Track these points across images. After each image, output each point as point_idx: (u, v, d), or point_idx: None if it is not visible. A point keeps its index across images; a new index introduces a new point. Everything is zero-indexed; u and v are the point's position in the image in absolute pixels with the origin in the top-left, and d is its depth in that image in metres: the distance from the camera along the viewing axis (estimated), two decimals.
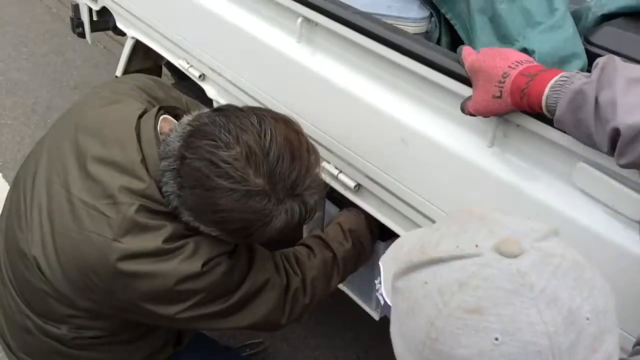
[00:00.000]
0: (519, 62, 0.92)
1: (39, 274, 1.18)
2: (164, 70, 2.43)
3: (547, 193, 0.97)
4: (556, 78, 0.86)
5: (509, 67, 0.92)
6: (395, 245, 0.79)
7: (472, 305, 0.57)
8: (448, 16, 1.27)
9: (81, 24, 2.34)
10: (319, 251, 1.35)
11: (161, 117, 1.20)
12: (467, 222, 0.63)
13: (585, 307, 0.57)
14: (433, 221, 1.18)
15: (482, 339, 0.56)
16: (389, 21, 1.27)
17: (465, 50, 1.00)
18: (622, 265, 0.90)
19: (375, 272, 1.48)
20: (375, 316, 1.54)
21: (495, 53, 0.95)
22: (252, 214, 1.06)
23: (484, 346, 0.56)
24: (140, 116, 1.20)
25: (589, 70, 1.06)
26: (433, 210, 1.17)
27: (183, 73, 1.81)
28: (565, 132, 0.88)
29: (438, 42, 1.33)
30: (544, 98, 0.87)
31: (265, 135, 1.06)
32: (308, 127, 1.39)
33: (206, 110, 1.16)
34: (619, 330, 0.62)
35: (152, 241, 1.09)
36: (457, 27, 1.27)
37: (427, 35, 1.31)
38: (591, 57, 1.06)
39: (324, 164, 1.39)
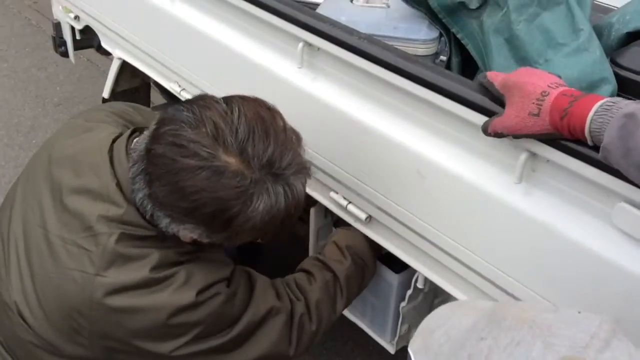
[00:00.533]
0: (557, 84, 0.86)
1: (22, 324, 1.09)
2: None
3: (583, 233, 0.90)
4: (602, 102, 0.79)
5: (549, 86, 0.85)
6: (424, 330, 0.73)
7: None
8: (459, 36, 1.20)
9: (64, 43, 2.24)
10: (318, 273, 1.28)
11: (135, 139, 1.10)
12: (515, 330, 0.57)
13: None
14: (451, 256, 1.11)
15: None
16: (397, 43, 1.20)
17: (491, 73, 0.94)
18: None
19: (390, 304, 1.41)
20: (391, 350, 1.47)
21: (532, 72, 0.89)
22: (225, 192, 0.95)
23: None
24: (114, 140, 1.12)
25: (619, 96, 1.01)
26: (452, 245, 1.10)
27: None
28: (610, 165, 0.81)
29: (448, 62, 1.26)
30: (587, 122, 0.80)
31: (232, 112, 0.97)
32: (314, 156, 1.31)
33: None
34: None
35: (138, 271, 1.01)
36: (470, 47, 1.20)
37: (436, 56, 1.24)
38: (620, 82, 1.00)
39: (332, 193, 1.32)
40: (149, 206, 1.01)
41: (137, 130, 1.14)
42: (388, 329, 1.45)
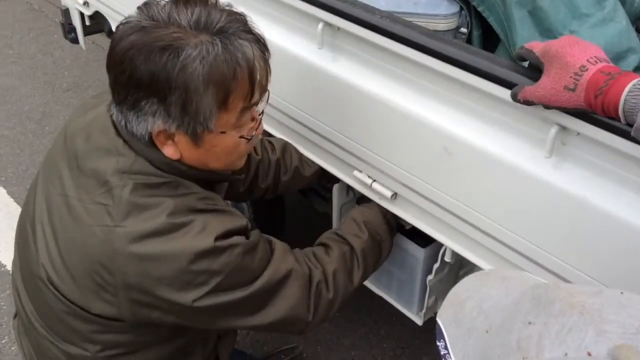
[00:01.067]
0: (598, 59, 0.85)
1: (52, 292, 1.12)
2: None
3: (615, 205, 0.91)
4: (635, 81, 0.79)
5: (588, 60, 0.85)
6: (453, 301, 0.73)
7: None
8: (480, 9, 1.19)
9: (73, 30, 2.23)
10: (335, 246, 1.30)
11: None
12: (566, 316, 0.57)
13: None
14: (479, 229, 1.13)
15: None
16: (417, 19, 1.19)
17: (531, 43, 0.94)
18: None
19: (416, 278, 1.43)
20: (419, 321, 1.50)
21: (574, 42, 0.88)
22: (148, 44, 0.95)
23: None
24: None
25: None
26: (482, 220, 1.11)
27: None
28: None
29: (469, 36, 1.25)
30: (621, 101, 0.80)
31: None
32: (336, 136, 1.32)
33: None
34: None
35: (156, 218, 1.03)
36: (491, 20, 1.19)
37: (457, 30, 1.23)
38: None
39: (356, 172, 1.33)
40: (124, 119, 1.03)
41: None
42: (415, 301, 1.48)
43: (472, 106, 1.06)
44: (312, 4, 1.21)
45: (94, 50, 3.47)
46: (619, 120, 0.83)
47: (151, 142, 1.05)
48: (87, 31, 2.25)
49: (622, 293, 0.59)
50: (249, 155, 1.46)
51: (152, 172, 1.06)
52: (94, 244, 1.05)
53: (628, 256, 0.91)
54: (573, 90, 0.85)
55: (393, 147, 1.21)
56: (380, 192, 1.30)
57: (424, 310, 1.47)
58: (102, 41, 3.46)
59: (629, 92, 0.79)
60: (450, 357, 0.67)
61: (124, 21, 1.01)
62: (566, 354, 0.53)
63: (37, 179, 1.24)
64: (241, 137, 1.07)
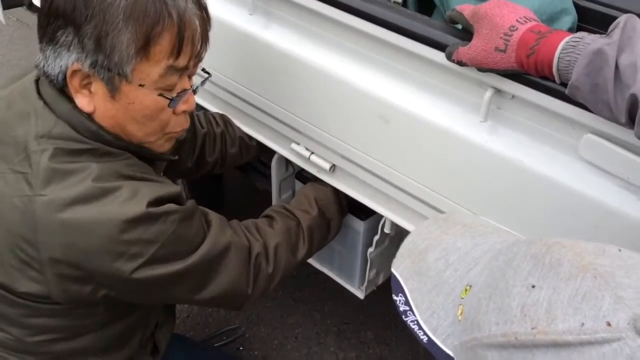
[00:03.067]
0: (527, 18, 0.84)
1: None
2: None
3: (551, 167, 0.90)
4: (567, 39, 0.78)
5: (517, 20, 0.83)
6: (411, 250, 0.68)
7: None
8: None
9: None
10: (280, 219, 1.26)
11: None
12: (577, 279, 0.51)
13: None
14: (418, 199, 1.11)
15: None
16: None
17: (460, 6, 0.91)
18: (638, 237, 0.85)
19: (357, 251, 1.41)
20: (360, 295, 1.49)
21: (502, 3, 0.86)
22: None
23: None
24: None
25: (579, 28, 1.00)
26: (420, 189, 1.09)
27: None
28: (577, 101, 0.80)
29: (404, 4, 1.22)
30: (555, 60, 0.79)
31: None
32: (272, 107, 1.28)
33: None
34: None
35: (80, 183, 0.96)
36: None
37: None
38: (581, 13, 0.99)
39: (293, 145, 1.29)
40: (43, 60, 0.97)
41: None
42: (356, 275, 1.46)
43: (407, 72, 1.03)
44: None
45: (18, 28, 3.29)
46: (554, 80, 0.82)
47: (67, 96, 0.99)
48: (6, 5, 2.10)
49: (620, 250, 0.54)
50: (195, 129, 1.40)
51: (74, 137, 0.98)
52: (14, 216, 0.97)
53: (564, 218, 0.91)
54: (504, 51, 0.83)
55: (329, 117, 1.18)
56: (318, 165, 1.26)
57: (365, 284, 1.46)
58: (26, 17, 3.29)
59: (562, 50, 0.78)
60: (413, 314, 0.63)
61: None
62: (583, 324, 0.48)
63: None
64: (161, 95, 0.99)
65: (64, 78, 0.96)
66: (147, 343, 1.30)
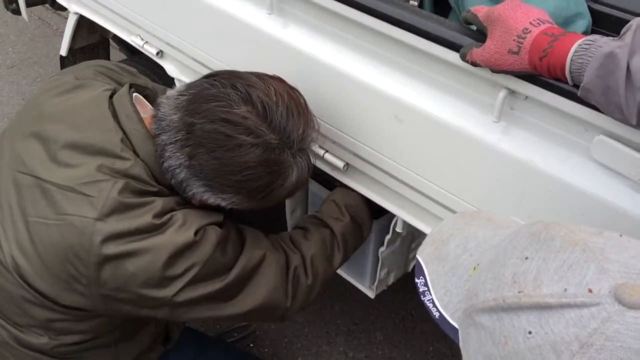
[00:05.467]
0: (540, 21, 0.84)
1: (14, 277, 1.07)
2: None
3: (563, 168, 0.91)
4: (580, 41, 0.79)
5: (531, 23, 0.84)
6: (435, 239, 0.72)
7: None
8: None
9: (14, 0, 2.13)
10: (314, 229, 1.29)
11: (134, 95, 1.13)
12: (566, 252, 0.55)
13: None
14: (431, 198, 1.12)
15: None
16: None
17: (476, 7, 0.93)
18: None
19: (369, 250, 1.43)
20: (371, 294, 1.50)
21: (516, 5, 0.87)
22: (277, 167, 1.06)
23: None
24: (111, 97, 1.13)
25: (594, 32, 1.01)
26: (433, 188, 1.10)
27: (134, 47, 1.67)
28: (589, 103, 0.81)
29: (420, 5, 1.23)
30: (567, 62, 0.80)
31: (270, 92, 1.04)
32: None
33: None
34: None
35: (141, 218, 1.02)
36: None
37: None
38: (596, 17, 1.00)
39: None
40: (183, 175, 1.05)
41: (132, 87, 1.15)
42: (367, 274, 1.47)
43: (422, 72, 1.05)
44: None
45: (39, 26, 3.35)
46: (566, 82, 0.83)
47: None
48: (30, 2, 2.15)
49: (621, 236, 0.58)
50: None
51: (146, 181, 1.05)
52: (70, 233, 1.01)
53: (575, 218, 0.92)
54: (517, 53, 0.84)
55: (345, 116, 1.20)
56: (332, 163, 1.28)
57: (376, 283, 1.47)
58: (48, 17, 3.35)
59: (574, 52, 0.79)
60: (430, 294, 0.67)
61: (247, 115, 1.02)
62: (565, 290, 0.52)
63: (2, 148, 1.17)
64: None
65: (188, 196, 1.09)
66: (160, 333, 1.33)
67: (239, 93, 1.03)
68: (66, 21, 1.94)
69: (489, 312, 0.56)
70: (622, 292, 0.50)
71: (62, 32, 2.82)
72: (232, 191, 1.07)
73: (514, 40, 0.85)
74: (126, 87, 1.13)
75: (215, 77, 1.08)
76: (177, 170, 1.05)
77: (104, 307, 1.08)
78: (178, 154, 1.04)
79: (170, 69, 1.57)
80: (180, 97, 1.07)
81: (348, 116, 1.19)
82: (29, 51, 3.20)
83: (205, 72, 1.42)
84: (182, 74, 1.55)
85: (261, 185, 1.07)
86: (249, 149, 1.02)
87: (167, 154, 1.05)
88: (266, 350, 1.90)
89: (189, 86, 1.09)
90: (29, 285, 1.07)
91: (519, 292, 0.53)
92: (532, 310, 0.52)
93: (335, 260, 1.29)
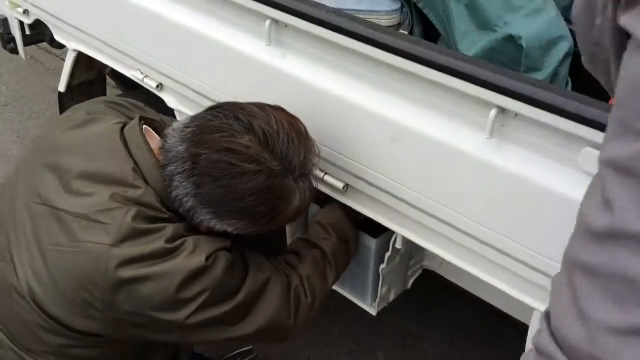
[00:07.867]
0: None
1: (30, 303, 1.11)
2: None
3: (554, 180, 0.97)
4: None
5: None
6: None
7: None
8: (420, 5, 1.26)
9: (13, 40, 2.19)
10: (306, 252, 1.34)
11: (144, 127, 1.19)
12: None
13: None
14: (430, 214, 1.17)
15: None
16: (361, 16, 1.24)
17: None
18: None
19: (370, 268, 1.47)
20: (373, 312, 1.53)
21: None
22: (280, 192, 1.11)
23: None
24: (122, 129, 1.18)
25: (575, 53, 1.08)
26: (431, 204, 1.16)
27: (130, 81, 1.72)
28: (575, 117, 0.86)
29: (411, 33, 1.31)
30: None
31: (271, 121, 1.09)
32: None
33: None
34: None
35: (154, 243, 1.06)
36: (431, 16, 1.25)
37: (399, 27, 1.29)
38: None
39: None
40: (190, 203, 1.10)
41: (142, 119, 1.21)
42: (369, 292, 1.51)
43: (417, 95, 1.11)
44: (259, 1, 1.24)
45: (32, 65, 3.39)
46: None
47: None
48: (28, 41, 2.20)
49: None
50: None
51: (158, 208, 1.10)
52: (86, 260, 1.05)
53: (569, 228, 0.97)
54: None
55: (343, 139, 1.25)
56: (332, 185, 1.33)
57: (377, 301, 1.51)
58: (40, 56, 3.40)
59: None
60: None
61: (249, 144, 1.08)
62: None
63: (13, 184, 1.21)
64: None
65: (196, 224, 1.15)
66: (169, 359, 1.36)
67: (241, 123, 1.09)
68: (59, 60, 2.00)
69: None
70: None
71: (55, 70, 2.88)
72: (237, 217, 1.12)
73: None
74: (137, 119, 1.19)
75: (219, 109, 1.13)
76: (185, 199, 1.10)
77: (116, 331, 1.11)
78: (185, 183, 1.09)
79: (171, 101, 1.63)
80: (185, 129, 1.12)
81: (347, 139, 1.24)
82: (22, 89, 3.24)
83: (206, 103, 1.48)
84: (182, 106, 1.60)
85: (265, 211, 1.12)
86: (252, 177, 1.07)
87: (175, 184, 1.10)
88: None
89: (194, 118, 1.15)
90: (44, 311, 1.10)
91: None
92: None
93: (329, 277, 1.34)
